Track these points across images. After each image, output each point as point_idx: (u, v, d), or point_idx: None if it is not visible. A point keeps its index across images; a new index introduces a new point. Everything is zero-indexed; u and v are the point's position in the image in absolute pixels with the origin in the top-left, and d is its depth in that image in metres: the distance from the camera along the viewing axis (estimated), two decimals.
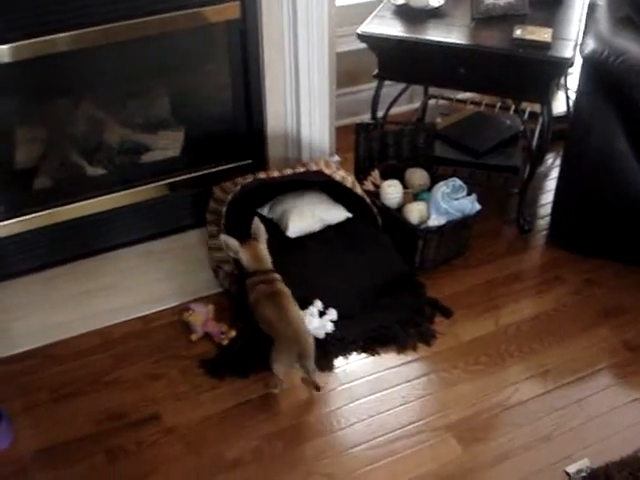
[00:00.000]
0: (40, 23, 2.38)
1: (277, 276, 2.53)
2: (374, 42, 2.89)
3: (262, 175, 2.75)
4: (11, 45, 2.36)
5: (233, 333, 2.59)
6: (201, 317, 2.61)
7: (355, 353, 2.56)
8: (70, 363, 2.53)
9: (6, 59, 2.38)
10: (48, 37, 2.40)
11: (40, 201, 2.79)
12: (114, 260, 2.95)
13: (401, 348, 2.57)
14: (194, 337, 2.60)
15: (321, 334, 2.54)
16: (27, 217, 2.75)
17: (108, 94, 3.00)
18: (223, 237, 2.54)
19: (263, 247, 2.56)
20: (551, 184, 3.30)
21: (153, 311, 2.72)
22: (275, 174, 2.75)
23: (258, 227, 2.58)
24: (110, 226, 2.92)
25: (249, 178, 2.74)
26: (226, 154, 3.03)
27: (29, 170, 2.89)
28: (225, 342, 2.57)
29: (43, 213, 2.77)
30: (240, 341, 2.56)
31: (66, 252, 2.89)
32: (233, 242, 2.52)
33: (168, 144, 3.07)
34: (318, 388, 2.41)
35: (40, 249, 2.84)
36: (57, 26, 2.40)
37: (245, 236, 2.58)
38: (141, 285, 2.83)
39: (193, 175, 2.98)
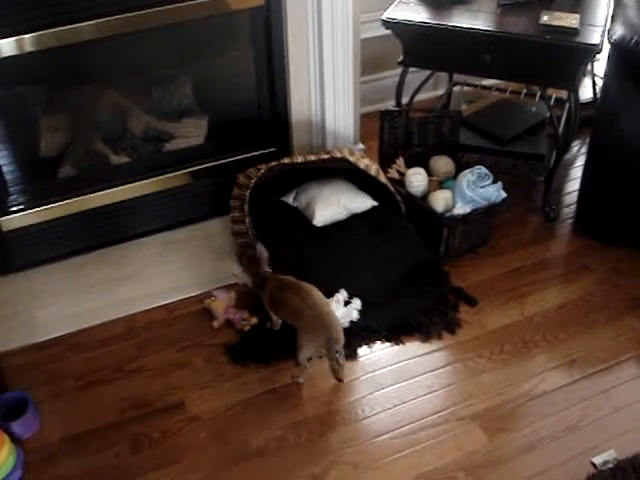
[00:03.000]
0: (64, 12, 2.38)
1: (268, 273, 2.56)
2: (399, 28, 2.86)
3: (286, 160, 2.74)
4: (35, 34, 2.37)
5: (255, 320, 2.60)
6: (223, 304, 2.63)
7: (379, 342, 2.55)
8: (95, 351, 2.55)
9: (30, 48, 2.39)
10: (72, 26, 2.40)
11: (65, 190, 2.81)
12: (138, 248, 2.96)
13: (425, 337, 2.56)
14: (215, 324, 2.61)
15: (346, 322, 2.54)
16: (52, 205, 2.77)
17: (132, 82, 3.01)
18: (235, 270, 2.64)
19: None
20: (577, 172, 3.28)
21: (176, 299, 2.73)
22: (299, 159, 2.74)
23: (261, 252, 2.59)
24: (134, 214, 2.93)
25: (273, 164, 2.73)
26: (250, 142, 3.02)
27: (54, 159, 2.91)
28: (247, 328, 2.58)
29: (68, 202, 2.78)
30: (262, 328, 2.57)
31: (90, 240, 2.92)
32: (238, 270, 2.63)
33: (192, 132, 3.07)
34: (342, 379, 2.39)
35: (65, 237, 2.86)
36: (81, 14, 2.40)
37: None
38: (164, 273, 2.84)
39: (217, 163, 2.98)
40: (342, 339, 2.34)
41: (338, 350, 2.34)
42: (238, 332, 2.58)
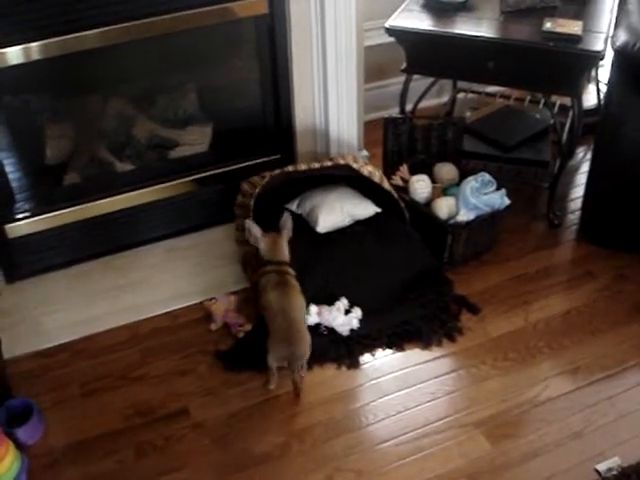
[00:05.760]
0: (69, 20, 2.39)
1: (291, 270, 2.53)
2: (402, 36, 2.86)
3: (289, 168, 2.75)
4: (41, 42, 2.38)
5: (249, 327, 2.60)
6: (222, 307, 2.64)
7: (380, 349, 2.55)
8: (99, 358, 2.55)
9: (37, 56, 2.40)
10: (77, 34, 2.41)
11: (70, 197, 2.82)
12: (142, 255, 2.97)
13: (425, 344, 2.56)
14: (213, 326, 2.63)
15: (346, 331, 2.55)
16: (57, 213, 2.78)
17: (137, 90, 3.02)
18: (248, 222, 2.56)
19: (284, 242, 2.56)
20: (581, 178, 3.27)
21: (180, 307, 2.73)
22: (302, 167, 2.75)
23: (286, 221, 2.59)
24: (139, 222, 2.94)
25: (276, 171, 2.73)
26: (254, 149, 3.03)
27: (59, 166, 2.93)
28: (240, 335, 2.58)
29: (73, 209, 2.79)
30: (254, 335, 2.56)
31: (95, 247, 2.93)
32: (256, 229, 2.54)
33: (196, 139, 3.08)
34: (298, 393, 2.39)
35: (70, 245, 2.87)
36: (86, 23, 2.42)
37: (273, 231, 2.59)
38: (169, 281, 2.85)
39: (221, 170, 2.98)
40: (301, 354, 2.34)
41: (302, 364, 2.37)
42: (233, 337, 2.59)
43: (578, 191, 3.23)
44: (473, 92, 3.51)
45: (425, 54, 2.91)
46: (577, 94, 2.80)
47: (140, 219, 2.93)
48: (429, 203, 2.87)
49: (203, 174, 2.96)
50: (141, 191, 2.87)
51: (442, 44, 2.82)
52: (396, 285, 2.72)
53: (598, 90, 3.53)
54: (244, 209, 2.74)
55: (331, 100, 2.93)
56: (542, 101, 3.27)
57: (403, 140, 3.02)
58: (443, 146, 3.04)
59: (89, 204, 2.81)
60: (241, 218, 2.76)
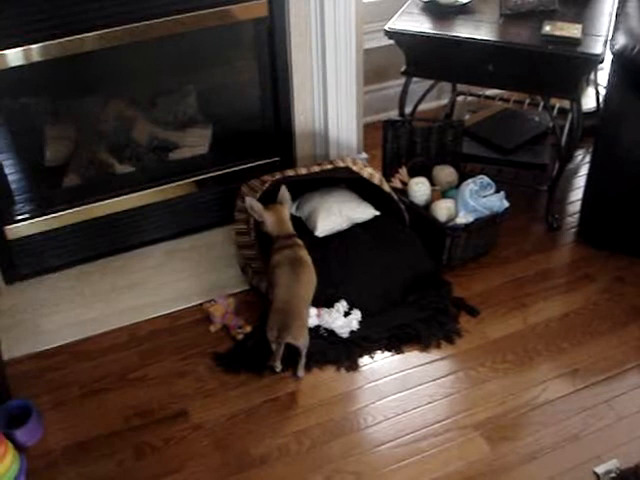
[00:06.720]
0: (70, 22, 2.39)
1: (299, 241, 2.57)
2: (402, 39, 2.87)
3: (290, 172, 2.75)
4: (41, 44, 2.38)
5: (248, 329, 2.61)
6: (221, 309, 2.64)
7: (379, 352, 2.55)
8: (98, 359, 2.55)
9: (37, 58, 2.40)
10: (77, 36, 2.41)
11: (70, 199, 2.82)
12: (142, 257, 2.97)
13: (424, 347, 2.56)
14: (212, 328, 2.63)
15: (345, 333, 2.56)
16: (57, 214, 2.78)
17: (137, 92, 3.02)
18: (249, 200, 2.59)
19: (286, 212, 2.63)
20: (580, 181, 3.28)
21: (180, 308, 2.73)
22: (302, 171, 2.75)
23: (284, 194, 2.64)
24: (138, 223, 2.94)
25: (277, 175, 2.74)
26: (254, 151, 3.03)
27: (59, 168, 2.93)
28: (240, 337, 2.59)
29: (72, 210, 2.79)
30: (254, 338, 2.57)
31: (95, 249, 2.92)
32: (258, 205, 2.58)
33: (196, 142, 3.08)
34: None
35: (69, 246, 2.87)
36: (86, 25, 2.42)
37: None
38: (168, 282, 2.85)
39: (221, 173, 2.98)
40: (291, 332, 2.34)
41: (298, 347, 2.39)
42: (232, 339, 2.59)
43: (577, 194, 3.23)
44: (472, 95, 3.52)
45: (424, 57, 2.91)
46: (576, 97, 2.80)
47: (140, 221, 2.93)
48: (428, 206, 2.88)
49: (203, 176, 2.96)
50: (141, 193, 2.87)
51: (441, 47, 2.82)
52: (395, 287, 2.72)
53: (597, 93, 3.53)
54: (244, 213, 2.73)
55: (330, 102, 2.93)
56: (541, 104, 3.27)
57: (402, 143, 3.02)
58: (442, 149, 3.04)
59: (89, 206, 2.81)
60: (241, 223, 2.75)
